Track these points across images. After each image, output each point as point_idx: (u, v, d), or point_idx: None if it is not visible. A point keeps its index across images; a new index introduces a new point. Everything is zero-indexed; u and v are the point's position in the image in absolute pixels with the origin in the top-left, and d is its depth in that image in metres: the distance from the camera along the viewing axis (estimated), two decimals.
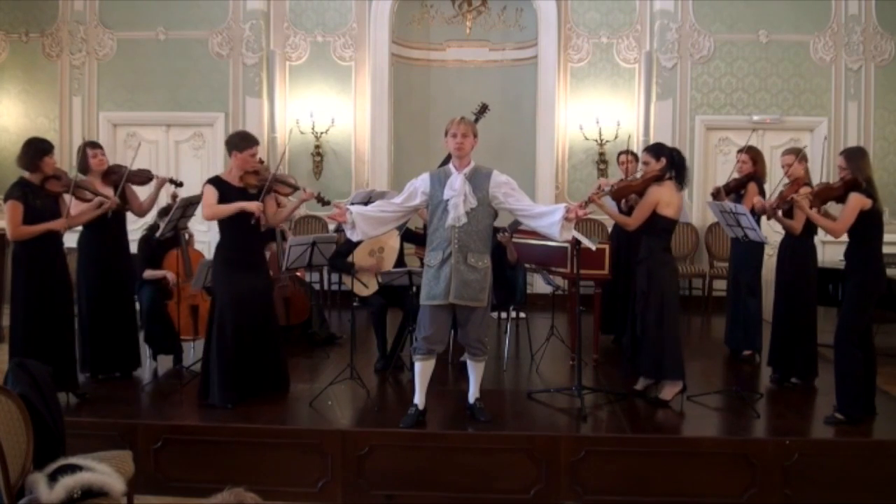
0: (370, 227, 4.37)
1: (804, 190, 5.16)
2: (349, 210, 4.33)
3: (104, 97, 8.74)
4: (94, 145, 5.42)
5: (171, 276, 5.76)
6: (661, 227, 4.86)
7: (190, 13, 8.64)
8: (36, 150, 4.78)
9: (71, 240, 5.23)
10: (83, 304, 5.23)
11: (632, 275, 5.21)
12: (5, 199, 4.72)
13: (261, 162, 5.10)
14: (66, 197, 4.91)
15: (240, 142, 4.73)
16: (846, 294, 4.66)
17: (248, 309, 4.72)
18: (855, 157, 4.60)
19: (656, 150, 5.00)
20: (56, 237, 4.85)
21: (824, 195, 4.70)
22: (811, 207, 4.75)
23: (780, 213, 5.18)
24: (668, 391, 4.91)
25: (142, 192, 5.56)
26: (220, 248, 4.78)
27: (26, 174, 4.80)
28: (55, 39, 8.70)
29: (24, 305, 4.76)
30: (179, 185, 5.52)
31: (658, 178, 4.86)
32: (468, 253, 4.29)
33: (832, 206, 4.93)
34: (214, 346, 4.70)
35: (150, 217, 6.07)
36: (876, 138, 8.40)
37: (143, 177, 5.46)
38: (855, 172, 4.52)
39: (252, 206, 4.63)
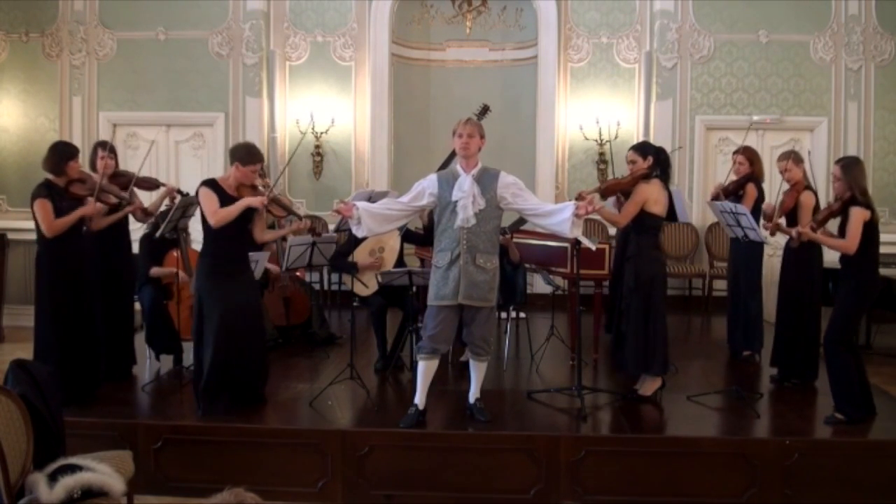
0: (376, 223, 4.37)
1: (806, 195, 5.17)
2: (355, 206, 4.33)
3: (104, 97, 8.73)
4: (104, 146, 5.36)
5: (182, 274, 5.73)
6: (649, 224, 4.90)
7: (190, 13, 8.63)
8: (61, 154, 4.80)
9: None
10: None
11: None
12: (32, 199, 4.72)
13: (262, 176, 5.08)
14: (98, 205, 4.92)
15: (246, 156, 4.60)
16: (838, 298, 4.68)
17: (238, 320, 4.60)
18: (850, 167, 4.60)
19: (642, 148, 5.05)
20: (80, 239, 4.83)
21: (826, 218, 4.72)
22: (813, 231, 4.76)
23: (784, 224, 5.19)
24: (649, 387, 4.98)
25: (146, 198, 5.61)
26: (206, 256, 4.63)
27: (51, 177, 4.80)
28: (55, 39, 8.69)
29: (50, 309, 4.75)
30: (186, 195, 5.54)
31: (646, 177, 4.89)
32: (477, 254, 4.30)
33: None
34: (206, 358, 4.58)
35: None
36: (876, 138, 8.39)
37: (151, 183, 5.48)
38: (850, 183, 4.54)
39: (256, 200, 4.52)
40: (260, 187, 4.76)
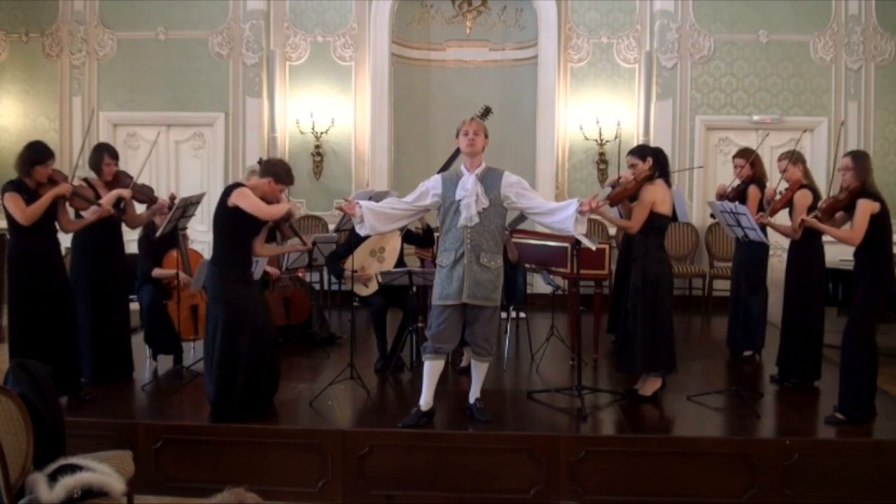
0: (379, 222, 4.37)
1: (800, 195, 5.15)
2: (359, 204, 4.34)
3: (104, 97, 8.74)
4: (113, 154, 5.31)
5: (182, 275, 5.73)
6: (656, 224, 4.90)
7: (190, 13, 8.64)
8: (27, 159, 4.74)
9: (66, 239, 5.22)
10: (77, 305, 5.17)
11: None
12: (2, 195, 4.70)
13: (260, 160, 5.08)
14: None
15: (283, 174, 4.56)
16: (855, 295, 4.65)
17: (260, 323, 4.59)
18: (861, 158, 4.63)
19: (641, 151, 5.06)
20: (53, 236, 4.83)
21: (832, 208, 4.70)
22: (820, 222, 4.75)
23: (773, 220, 5.19)
24: (649, 387, 4.98)
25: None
26: (219, 265, 4.53)
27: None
28: (55, 39, 8.70)
29: (20, 306, 4.75)
30: (173, 207, 5.53)
31: (649, 178, 4.89)
32: (481, 253, 4.30)
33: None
34: (233, 362, 4.49)
35: None
36: (876, 138, 8.40)
37: (146, 196, 5.41)
38: (861, 173, 4.54)
39: (284, 207, 4.55)
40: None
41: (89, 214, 5.02)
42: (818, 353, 5.29)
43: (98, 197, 5.09)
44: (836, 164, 4.84)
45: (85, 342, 5.18)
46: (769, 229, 5.43)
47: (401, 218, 4.48)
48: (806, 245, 5.25)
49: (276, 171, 4.57)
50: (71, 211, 5.09)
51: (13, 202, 4.66)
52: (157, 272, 5.80)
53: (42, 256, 4.77)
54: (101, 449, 3.62)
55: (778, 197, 5.29)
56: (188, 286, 5.61)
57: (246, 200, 4.41)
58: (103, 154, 5.29)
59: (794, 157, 5.33)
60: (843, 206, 4.65)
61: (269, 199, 4.55)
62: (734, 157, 6.04)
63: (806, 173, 5.36)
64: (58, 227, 4.93)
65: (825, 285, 5.49)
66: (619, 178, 5.99)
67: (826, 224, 4.73)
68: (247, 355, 4.47)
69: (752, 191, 5.78)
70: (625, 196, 5.02)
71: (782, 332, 5.41)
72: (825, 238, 5.38)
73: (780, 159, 5.44)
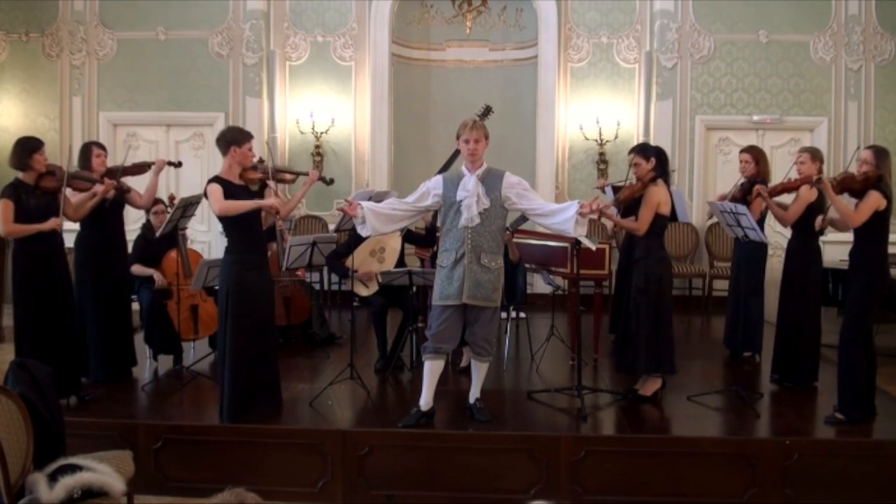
0: (380, 223, 4.37)
1: (808, 190, 5.14)
2: (360, 205, 4.34)
3: (104, 97, 8.75)
4: (99, 146, 5.40)
5: (158, 277, 5.76)
6: (658, 225, 4.90)
7: (190, 13, 8.64)
8: (24, 148, 4.74)
9: (69, 239, 5.23)
10: (80, 303, 5.19)
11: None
12: None
13: (261, 161, 5.07)
14: (69, 192, 4.90)
15: (238, 135, 4.53)
16: (851, 294, 4.65)
17: (264, 315, 4.60)
18: (884, 155, 4.62)
19: (644, 150, 5.03)
20: (56, 236, 4.83)
21: (845, 184, 4.69)
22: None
23: (772, 198, 5.19)
24: (649, 387, 4.98)
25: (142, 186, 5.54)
26: (232, 253, 4.51)
27: (21, 175, 4.77)
28: (55, 39, 8.70)
29: (24, 306, 4.75)
30: (178, 165, 5.61)
31: (653, 179, 4.89)
32: (481, 253, 4.30)
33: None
34: (238, 358, 4.45)
35: (145, 217, 6.06)
36: (876, 138, 8.38)
37: (140, 168, 5.41)
38: (882, 169, 4.55)
39: (269, 202, 4.50)
40: (258, 164, 4.74)
41: (90, 195, 5.03)
42: (815, 355, 5.29)
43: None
44: (855, 157, 4.82)
45: (88, 342, 5.19)
46: (768, 228, 5.42)
47: (402, 219, 4.49)
48: (803, 245, 5.25)
49: (232, 136, 4.54)
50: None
51: (2, 210, 4.64)
52: (136, 269, 5.79)
53: (46, 256, 4.76)
54: (101, 449, 3.63)
55: (786, 181, 5.27)
56: (187, 285, 5.60)
57: (213, 204, 4.42)
58: (90, 148, 5.34)
59: (815, 154, 5.32)
60: (856, 187, 4.62)
61: (246, 167, 4.55)
62: (741, 151, 6.01)
63: (819, 172, 5.34)
64: (65, 218, 4.90)
65: (823, 285, 5.47)
66: (605, 185, 6.05)
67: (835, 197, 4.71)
68: (233, 347, 4.44)
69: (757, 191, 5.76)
70: (633, 197, 5.01)
71: (777, 333, 5.41)
72: (824, 238, 5.38)
73: (800, 151, 5.43)
